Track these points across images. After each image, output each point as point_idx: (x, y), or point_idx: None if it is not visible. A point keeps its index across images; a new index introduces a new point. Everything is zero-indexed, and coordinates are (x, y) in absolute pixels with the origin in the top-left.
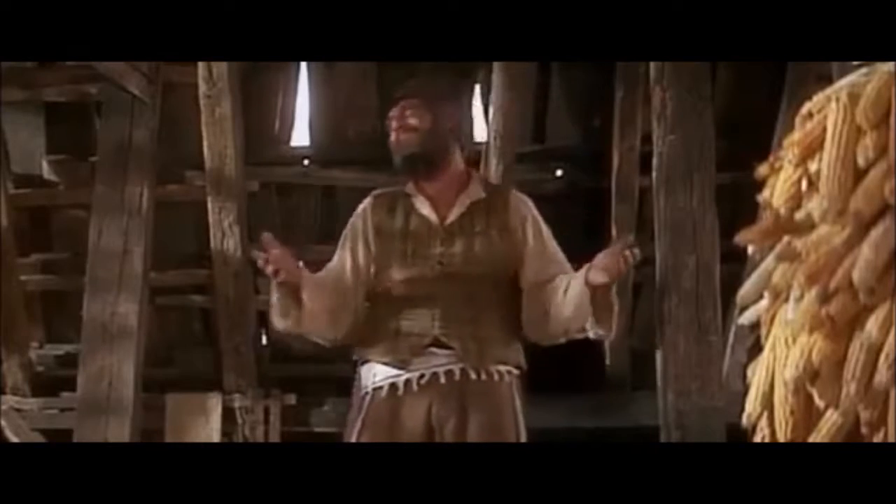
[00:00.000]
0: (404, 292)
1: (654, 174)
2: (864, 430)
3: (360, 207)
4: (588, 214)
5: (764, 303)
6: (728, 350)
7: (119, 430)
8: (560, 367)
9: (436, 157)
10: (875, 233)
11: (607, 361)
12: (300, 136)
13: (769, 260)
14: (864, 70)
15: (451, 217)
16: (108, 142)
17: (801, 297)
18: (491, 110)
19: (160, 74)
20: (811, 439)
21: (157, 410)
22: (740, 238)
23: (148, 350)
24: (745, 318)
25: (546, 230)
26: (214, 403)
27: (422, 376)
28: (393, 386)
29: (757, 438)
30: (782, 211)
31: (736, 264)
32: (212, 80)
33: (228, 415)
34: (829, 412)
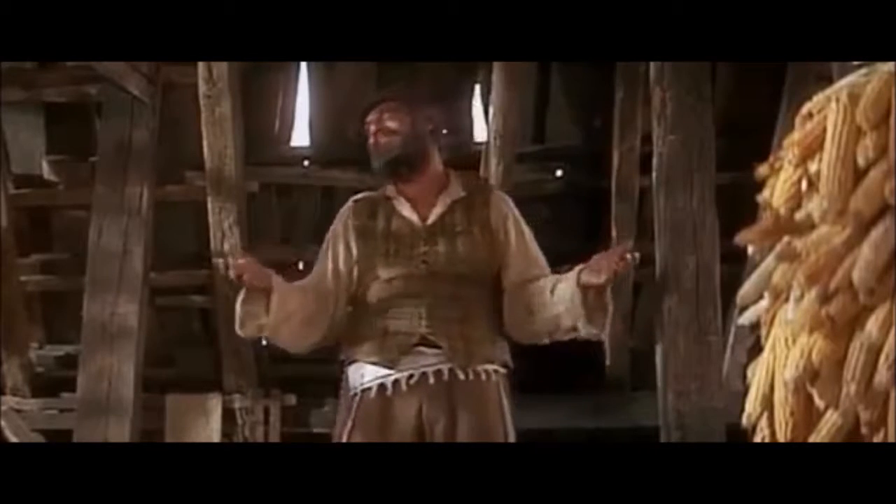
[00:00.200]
0: (390, 292)
1: (654, 174)
2: (864, 430)
3: (341, 212)
4: (588, 215)
5: (764, 303)
6: (728, 350)
7: (119, 431)
8: (560, 368)
9: (416, 160)
10: (875, 233)
11: (607, 362)
12: (300, 137)
13: (769, 260)
14: (864, 70)
15: (433, 217)
16: (108, 142)
17: (801, 297)
18: (491, 110)
19: (160, 75)
20: (811, 440)
21: (157, 411)
22: (740, 238)
23: (148, 350)
24: (745, 319)
25: (527, 230)
26: (214, 404)
27: (410, 376)
28: (382, 386)
29: (757, 439)
30: (782, 211)
31: (736, 264)
32: (212, 80)
33: (228, 415)
34: (829, 412)
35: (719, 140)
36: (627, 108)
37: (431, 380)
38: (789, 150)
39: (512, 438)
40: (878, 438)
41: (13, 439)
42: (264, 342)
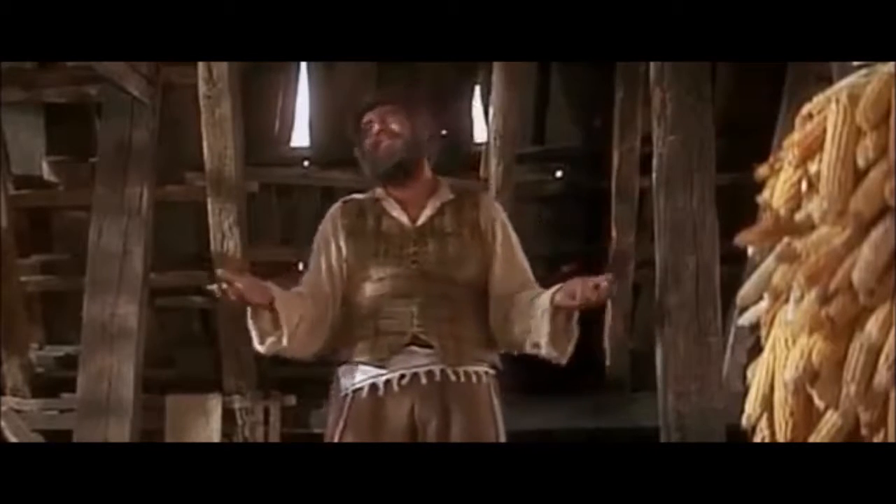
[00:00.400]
0: (381, 292)
1: (653, 175)
2: (864, 431)
3: (329, 213)
4: (588, 215)
5: (764, 304)
6: (728, 351)
7: (119, 431)
8: (560, 369)
9: (414, 166)
10: (875, 234)
11: (607, 363)
12: (300, 137)
13: (769, 261)
14: (863, 71)
15: (422, 218)
16: (108, 143)
17: (801, 298)
18: (491, 111)
19: (160, 75)
20: (811, 440)
21: (157, 411)
22: (740, 239)
23: (148, 351)
24: (745, 319)
25: (514, 236)
26: (214, 404)
27: (402, 377)
28: (373, 386)
29: (757, 439)
30: (782, 212)
31: (736, 265)
32: (212, 80)
33: (228, 416)
34: (828, 413)
35: (719, 140)
36: (627, 108)
37: (423, 380)
38: (789, 150)
39: (503, 439)
40: (877, 439)
41: (13, 440)
42: None
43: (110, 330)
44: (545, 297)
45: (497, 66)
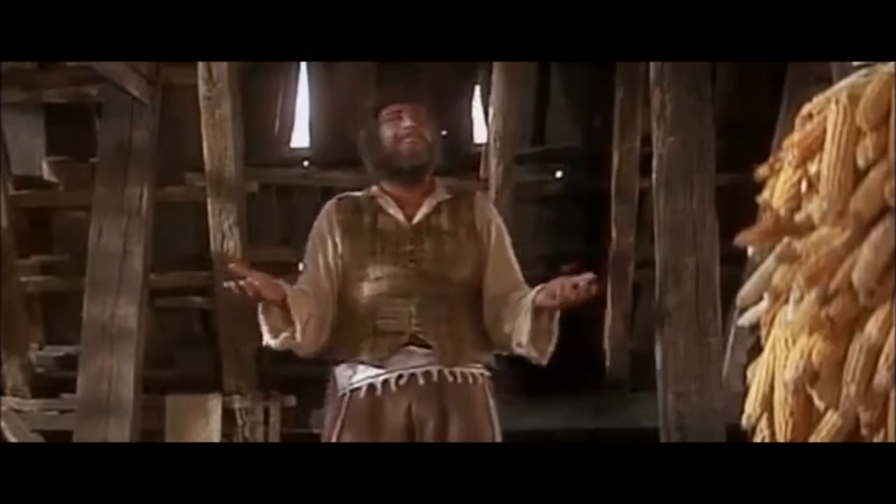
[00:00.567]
0: (378, 290)
1: (653, 175)
2: (864, 431)
3: (323, 210)
4: (588, 216)
5: (764, 304)
6: (728, 351)
7: (119, 432)
8: (560, 369)
9: (428, 170)
10: (875, 234)
11: (607, 363)
12: (300, 138)
13: (769, 261)
14: (863, 71)
15: (418, 216)
16: (108, 143)
17: (801, 298)
18: (491, 111)
19: (160, 76)
20: (811, 441)
21: (157, 412)
22: (740, 239)
23: (148, 351)
24: (745, 320)
25: (507, 239)
26: (214, 405)
27: (400, 377)
28: (371, 386)
29: (757, 440)
30: (782, 212)
31: (736, 266)
32: (212, 81)
33: (228, 416)
34: (828, 413)
35: (719, 141)
36: (627, 109)
37: (421, 381)
38: (789, 151)
39: (499, 440)
40: (877, 439)
41: (13, 440)
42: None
43: (110, 330)
44: (528, 297)
45: (497, 67)
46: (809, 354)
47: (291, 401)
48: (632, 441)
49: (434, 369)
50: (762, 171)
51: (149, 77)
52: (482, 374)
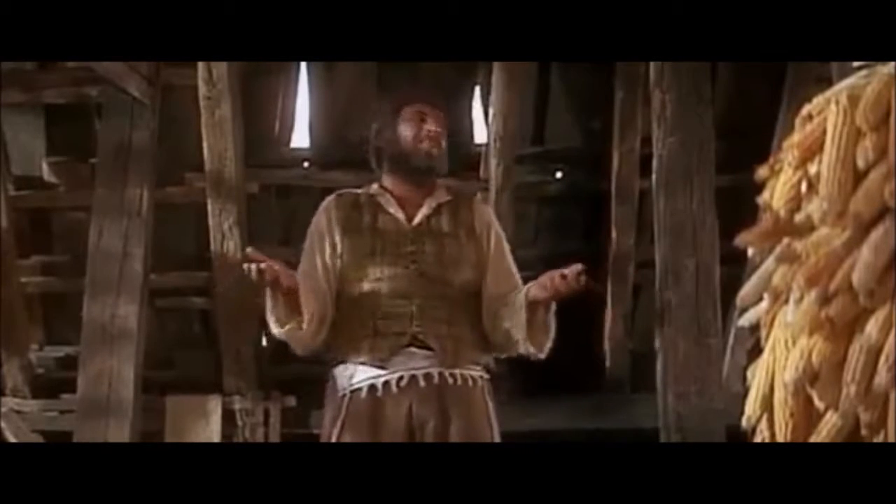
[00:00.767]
0: (379, 291)
1: (653, 176)
2: (864, 431)
3: (322, 206)
4: (588, 216)
5: (764, 305)
6: (728, 352)
7: (119, 433)
8: (560, 369)
9: (440, 172)
10: (875, 235)
11: (607, 363)
12: (300, 138)
13: (769, 262)
14: (863, 72)
15: (419, 217)
16: (108, 143)
17: (801, 299)
18: (491, 112)
19: (160, 76)
20: (811, 441)
21: (157, 412)
22: (740, 240)
23: (148, 352)
24: (745, 320)
25: (506, 245)
26: (214, 405)
27: (400, 378)
28: (372, 387)
29: (757, 440)
30: (782, 213)
31: (736, 266)
32: (212, 81)
33: (228, 417)
34: (828, 414)
35: (719, 142)
36: (627, 109)
37: (422, 382)
38: (789, 151)
39: (497, 441)
40: (878, 440)
41: (13, 441)
42: (265, 343)
43: (110, 331)
44: (522, 293)
45: (497, 67)
46: (809, 355)
47: (291, 401)
48: (632, 442)
49: (434, 371)
50: (762, 171)
51: (149, 78)
52: (482, 377)
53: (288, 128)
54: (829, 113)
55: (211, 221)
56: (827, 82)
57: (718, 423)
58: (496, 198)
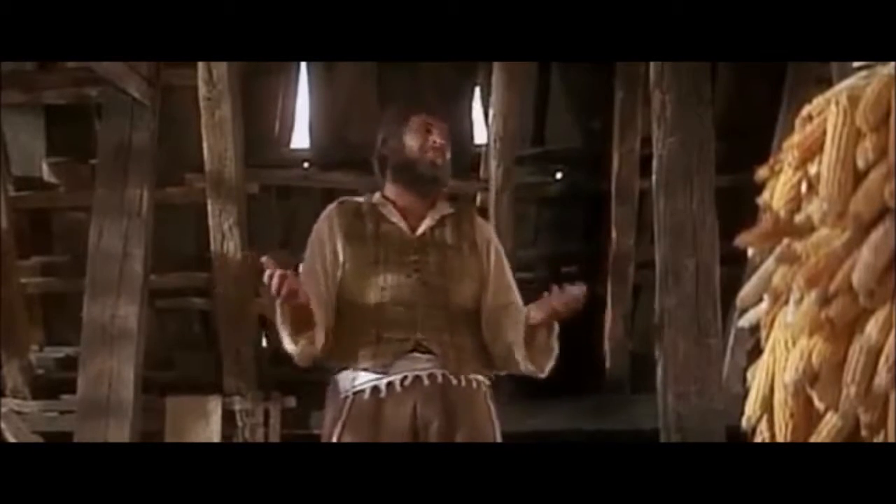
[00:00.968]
0: (382, 299)
1: (653, 176)
2: (864, 432)
3: (324, 214)
4: (588, 217)
5: (764, 305)
6: (728, 352)
7: (119, 433)
8: (560, 370)
9: (443, 186)
10: (875, 235)
11: (607, 364)
12: (300, 139)
13: (769, 262)
14: (863, 73)
15: (422, 228)
16: (108, 144)
17: (801, 299)
18: (491, 113)
19: (160, 77)
20: (811, 442)
21: (157, 413)
22: (740, 240)
23: (148, 352)
24: (745, 321)
25: (505, 260)
26: (214, 406)
27: (404, 378)
28: (375, 388)
29: (757, 441)
30: (782, 213)
31: (735, 267)
32: (212, 82)
33: (228, 417)
34: (828, 415)
35: (719, 142)
36: (627, 110)
37: (426, 381)
38: (789, 152)
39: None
40: (878, 440)
41: (13, 441)
42: (265, 344)
43: (110, 331)
44: (522, 313)
45: (497, 67)
46: (809, 356)
47: (291, 402)
48: (632, 442)
49: (438, 372)
50: (762, 172)
51: (149, 78)
52: (484, 383)
53: (288, 128)
54: (829, 113)
55: (211, 222)
56: (827, 83)
57: (718, 423)
58: (496, 198)
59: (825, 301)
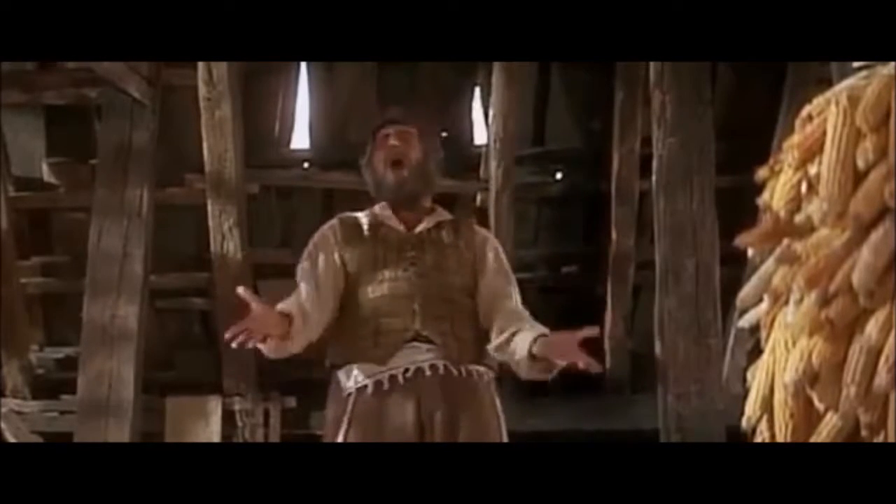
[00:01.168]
0: (381, 293)
1: (653, 177)
2: (863, 432)
3: (327, 225)
4: (588, 217)
5: (764, 306)
6: (728, 353)
7: (119, 433)
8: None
9: (420, 195)
10: (875, 236)
11: (607, 364)
12: (300, 139)
13: (769, 263)
14: (863, 73)
15: (419, 228)
16: (108, 144)
17: (801, 299)
18: (491, 113)
19: (160, 77)
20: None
21: (157, 413)
22: (740, 241)
23: (148, 353)
24: (745, 321)
25: (507, 265)
26: (214, 406)
27: (406, 370)
28: (378, 383)
29: (757, 441)
30: (782, 214)
31: (736, 267)
32: (212, 82)
33: (228, 418)
34: (828, 415)
35: (719, 143)
36: (627, 110)
37: (428, 372)
38: (789, 152)
39: (505, 437)
40: (877, 441)
41: (13, 441)
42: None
43: (110, 332)
44: (526, 341)
45: (497, 68)
46: (809, 356)
47: (291, 402)
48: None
49: (440, 363)
50: (762, 172)
51: (149, 78)
52: (487, 374)
53: (288, 128)
54: (829, 114)
55: (211, 222)
56: (827, 83)
57: (718, 423)
58: (496, 198)
59: (825, 301)
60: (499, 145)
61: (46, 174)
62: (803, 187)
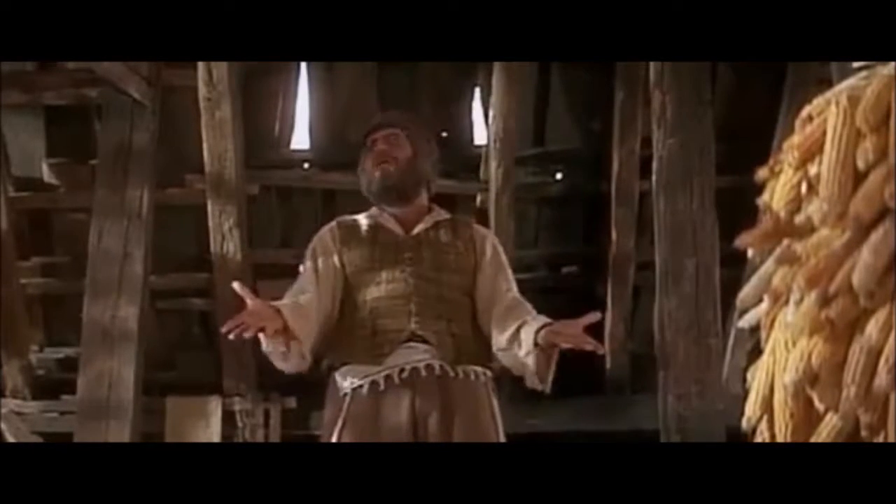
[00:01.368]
0: (377, 294)
1: (653, 177)
2: (864, 433)
3: (325, 228)
4: (588, 218)
5: (764, 306)
6: (728, 353)
7: (119, 434)
8: (560, 371)
9: (409, 191)
10: (875, 236)
11: (607, 365)
12: (300, 140)
13: (769, 263)
14: (863, 73)
15: (417, 230)
16: (109, 145)
17: (801, 300)
18: (491, 113)
19: (160, 78)
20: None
21: (158, 414)
22: (740, 241)
23: (148, 353)
24: (745, 322)
25: (506, 262)
26: (214, 407)
27: (402, 370)
28: (374, 383)
29: (757, 441)
30: (782, 214)
31: (735, 267)
32: (212, 83)
33: (228, 418)
34: (828, 416)
35: (719, 143)
36: (627, 110)
37: (423, 373)
38: (789, 153)
39: (502, 438)
40: (878, 441)
41: (13, 441)
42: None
43: (110, 332)
44: (530, 333)
45: (497, 68)
46: (809, 356)
47: (292, 402)
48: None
49: (436, 363)
50: (762, 173)
51: (149, 79)
52: (485, 374)
53: (288, 129)
54: (829, 114)
55: (211, 223)
56: (827, 83)
57: (719, 424)
58: (496, 199)
59: (825, 302)
60: (499, 146)
61: (46, 174)
62: (803, 188)
